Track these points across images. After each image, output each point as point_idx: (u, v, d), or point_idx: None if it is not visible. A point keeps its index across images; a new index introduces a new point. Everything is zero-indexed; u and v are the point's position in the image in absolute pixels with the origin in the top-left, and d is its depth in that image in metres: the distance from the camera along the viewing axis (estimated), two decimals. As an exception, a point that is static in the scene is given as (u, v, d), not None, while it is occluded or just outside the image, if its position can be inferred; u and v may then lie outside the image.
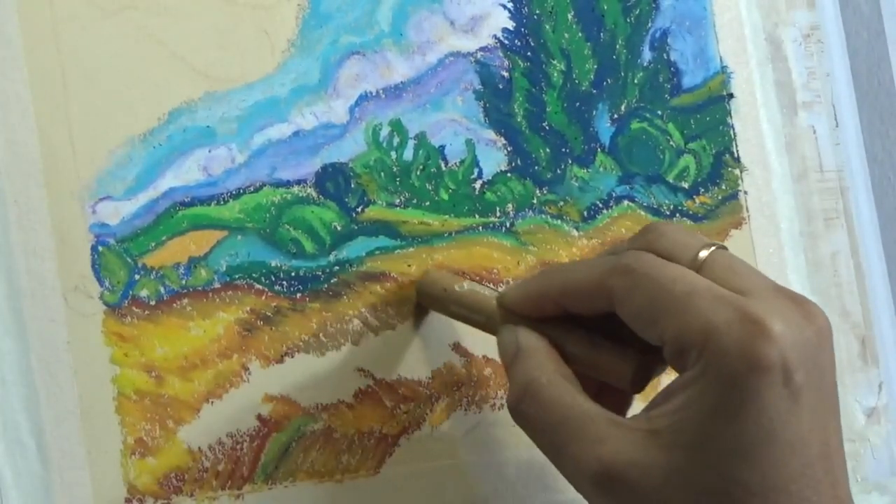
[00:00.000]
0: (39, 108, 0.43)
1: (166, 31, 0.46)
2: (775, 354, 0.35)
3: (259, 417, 0.46)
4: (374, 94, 0.49)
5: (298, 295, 0.47)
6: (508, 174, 0.51)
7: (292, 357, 0.47)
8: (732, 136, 0.56)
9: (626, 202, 0.53)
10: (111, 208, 0.44)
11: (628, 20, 0.54)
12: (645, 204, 0.54)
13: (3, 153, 0.43)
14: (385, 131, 0.49)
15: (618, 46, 0.54)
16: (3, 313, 0.42)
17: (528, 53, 0.52)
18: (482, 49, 0.52)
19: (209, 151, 0.46)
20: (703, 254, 0.39)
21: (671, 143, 0.54)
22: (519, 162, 0.51)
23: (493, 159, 0.51)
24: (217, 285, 0.46)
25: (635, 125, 0.54)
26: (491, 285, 0.45)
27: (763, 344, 0.35)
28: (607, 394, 0.42)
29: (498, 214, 0.51)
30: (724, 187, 0.55)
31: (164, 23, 0.46)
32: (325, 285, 0.47)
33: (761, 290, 0.38)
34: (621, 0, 0.54)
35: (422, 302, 0.48)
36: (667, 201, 0.54)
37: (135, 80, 0.45)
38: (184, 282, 0.45)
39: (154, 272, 0.45)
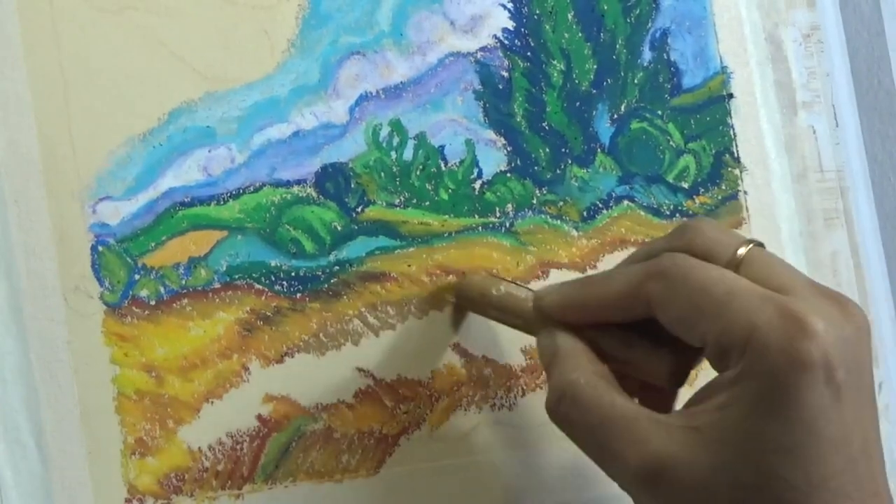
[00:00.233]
0: (39, 108, 0.43)
1: (166, 31, 0.46)
2: (817, 353, 0.35)
3: (259, 417, 0.46)
4: (373, 94, 0.49)
5: (298, 295, 0.47)
6: (508, 174, 0.51)
7: (292, 357, 0.47)
8: (732, 136, 0.56)
9: (625, 202, 0.53)
10: (111, 208, 0.44)
11: (628, 20, 0.54)
12: (645, 204, 0.54)
13: (2, 153, 0.43)
14: (385, 131, 0.49)
15: (618, 46, 0.54)
16: (3, 313, 0.42)
17: (528, 53, 0.52)
18: (482, 49, 0.52)
19: (209, 151, 0.46)
20: (742, 251, 0.39)
21: (671, 143, 0.54)
22: (519, 162, 0.51)
23: (493, 159, 0.51)
24: (217, 285, 0.46)
25: (635, 125, 0.54)
26: (526, 286, 0.45)
27: (805, 342, 0.35)
28: (649, 392, 0.43)
29: (498, 214, 0.51)
30: (723, 187, 0.55)
31: (164, 23, 0.46)
32: (325, 285, 0.47)
33: (801, 289, 0.38)
34: (621, 0, 0.54)
35: (461, 304, 0.48)
36: (667, 201, 0.54)
37: (135, 80, 0.45)
38: (184, 282, 0.45)
39: (154, 272, 0.45)
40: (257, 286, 0.46)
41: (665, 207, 0.54)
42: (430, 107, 0.50)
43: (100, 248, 0.44)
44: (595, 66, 0.53)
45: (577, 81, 0.53)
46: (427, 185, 0.50)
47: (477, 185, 0.51)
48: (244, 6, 0.47)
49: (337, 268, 0.48)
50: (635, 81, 0.54)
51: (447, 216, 0.50)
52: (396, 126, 0.50)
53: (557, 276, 0.51)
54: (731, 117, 0.56)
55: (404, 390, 0.48)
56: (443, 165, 0.50)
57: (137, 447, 0.44)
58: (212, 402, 0.45)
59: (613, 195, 0.53)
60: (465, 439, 0.49)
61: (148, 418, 0.44)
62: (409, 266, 0.49)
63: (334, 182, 0.48)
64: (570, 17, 0.53)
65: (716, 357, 0.38)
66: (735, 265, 0.39)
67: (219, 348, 0.45)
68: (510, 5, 0.52)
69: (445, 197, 0.50)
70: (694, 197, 0.55)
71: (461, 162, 0.50)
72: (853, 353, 0.37)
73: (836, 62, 0.58)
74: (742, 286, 0.37)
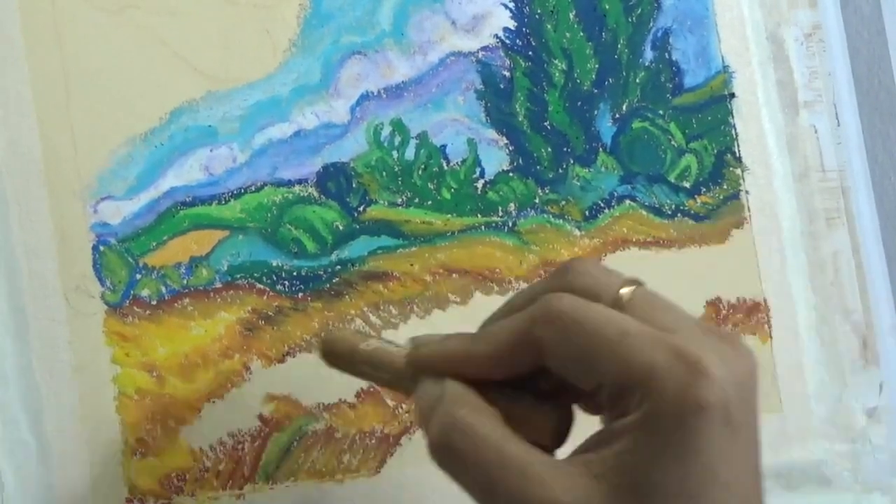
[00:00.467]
0: (41, 108, 0.43)
1: (168, 31, 0.46)
2: (714, 394, 0.35)
3: (260, 417, 0.46)
4: (375, 93, 0.49)
5: (300, 294, 0.47)
6: (510, 174, 0.51)
7: (294, 356, 0.47)
8: (734, 135, 0.56)
9: (627, 202, 0.53)
10: (112, 208, 0.44)
11: (630, 20, 0.54)
12: (646, 203, 0.54)
13: (4, 153, 0.42)
14: (386, 131, 0.49)
15: (619, 46, 0.54)
16: (5, 313, 0.42)
17: (530, 53, 0.52)
18: (483, 49, 0.52)
19: (211, 151, 0.46)
20: (624, 291, 0.38)
21: (673, 142, 0.54)
22: (521, 161, 0.51)
23: (495, 159, 0.51)
24: (218, 285, 0.46)
25: (637, 125, 0.54)
26: (396, 343, 0.43)
27: (704, 384, 0.35)
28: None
29: (500, 214, 0.51)
30: (725, 187, 0.55)
31: (166, 23, 0.46)
32: (327, 285, 0.47)
33: (688, 328, 0.37)
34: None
35: (328, 361, 0.45)
36: (668, 201, 0.54)
37: (136, 80, 0.45)
38: (185, 281, 0.45)
39: (155, 272, 0.45)
40: (259, 286, 0.46)
41: (667, 207, 0.54)
42: (431, 106, 0.50)
43: (101, 248, 0.44)
44: (597, 66, 0.53)
45: (578, 81, 0.53)
46: (429, 184, 0.50)
47: (479, 184, 0.51)
48: (246, 6, 0.47)
49: (339, 267, 0.48)
50: (637, 81, 0.54)
51: (450, 215, 0.50)
52: (398, 126, 0.49)
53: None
54: (732, 117, 0.56)
55: (406, 390, 0.48)
56: (445, 165, 0.50)
57: (138, 447, 0.43)
58: (213, 402, 0.45)
59: (615, 195, 0.53)
60: (467, 439, 0.49)
61: (149, 418, 0.44)
62: (412, 265, 0.49)
63: (336, 181, 0.48)
64: (571, 16, 0.53)
65: (611, 400, 0.37)
66: (619, 305, 0.38)
67: (220, 348, 0.45)
68: (511, 5, 0.52)
69: (448, 196, 0.50)
70: (695, 196, 0.55)
71: (463, 161, 0.50)
72: (746, 392, 0.36)
73: (837, 62, 0.58)
74: (634, 327, 0.36)
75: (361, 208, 0.48)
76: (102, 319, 0.44)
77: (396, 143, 0.49)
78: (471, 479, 0.37)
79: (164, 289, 0.45)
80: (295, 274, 0.47)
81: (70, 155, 0.44)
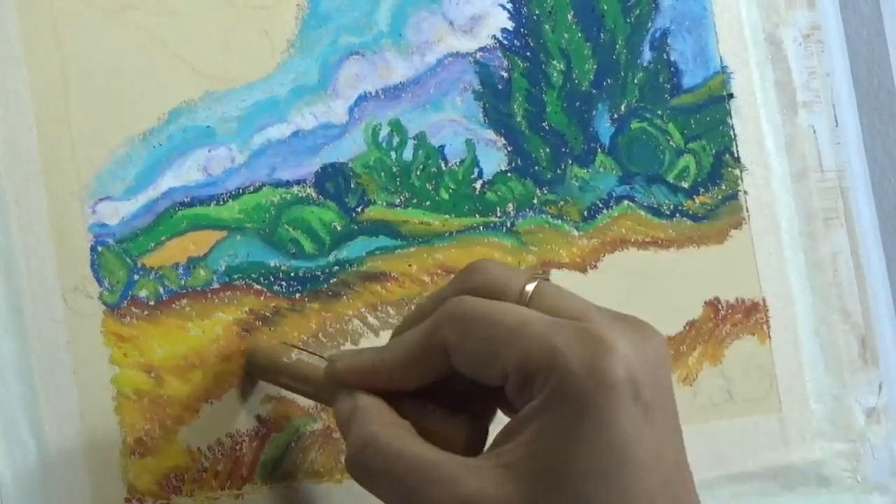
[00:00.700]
0: (39, 108, 0.43)
1: (166, 31, 0.46)
2: (622, 370, 0.34)
3: (258, 418, 0.46)
4: (373, 94, 0.49)
5: (298, 295, 0.47)
6: (508, 174, 0.51)
7: (292, 357, 0.47)
8: (732, 135, 0.56)
9: (626, 202, 0.53)
10: (111, 208, 0.44)
11: (628, 20, 0.54)
12: (645, 204, 0.54)
13: (2, 153, 0.43)
14: (384, 131, 0.49)
15: (618, 46, 0.54)
16: (3, 313, 0.42)
17: (528, 54, 0.52)
18: (481, 49, 0.52)
19: (209, 151, 0.46)
20: (529, 287, 0.38)
21: (671, 142, 0.54)
22: (519, 162, 0.51)
23: (494, 159, 0.51)
24: (216, 286, 0.46)
25: (635, 125, 0.54)
26: (319, 354, 0.44)
27: (609, 360, 0.34)
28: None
29: (498, 214, 0.51)
30: (724, 187, 0.55)
31: (165, 23, 0.46)
32: (325, 285, 0.47)
33: (594, 314, 0.37)
34: (621, 0, 0.54)
35: (252, 372, 0.46)
36: (667, 201, 0.54)
37: (135, 80, 0.45)
38: (183, 282, 0.45)
39: (153, 272, 0.45)
40: (256, 286, 0.46)
41: (665, 207, 0.54)
42: (429, 107, 0.50)
43: (99, 249, 0.44)
44: (595, 66, 0.53)
45: (576, 81, 0.53)
46: (427, 184, 0.50)
47: (477, 184, 0.51)
48: (244, 6, 0.47)
49: (337, 268, 0.48)
50: (635, 81, 0.54)
51: (448, 216, 0.50)
52: (396, 126, 0.50)
53: (559, 276, 0.51)
54: (731, 117, 0.56)
55: (404, 390, 0.48)
56: (443, 165, 0.50)
57: (137, 447, 0.43)
58: (211, 403, 0.45)
59: (614, 195, 0.53)
60: (466, 439, 0.49)
61: (147, 418, 0.44)
62: (410, 266, 0.49)
63: (334, 182, 0.48)
64: (569, 17, 0.53)
65: (519, 388, 0.36)
66: (524, 301, 0.38)
67: (218, 348, 0.45)
68: (509, 5, 0.52)
69: (446, 196, 0.50)
70: (694, 197, 0.55)
71: (461, 162, 0.50)
72: (656, 373, 0.36)
73: (836, 62, 0.58)
74: (536, 315, 0.36)
75: (359, 209, 0.48)
76: (100, 320, 0.44)
77: (395, 144, 0.49)
78: (387, 494, 0.38)
79: (161, 289, 0.45)
80: (293, 274, 0.47)
81: (68, 155, 0.44)
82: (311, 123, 0.48)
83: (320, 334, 0.47)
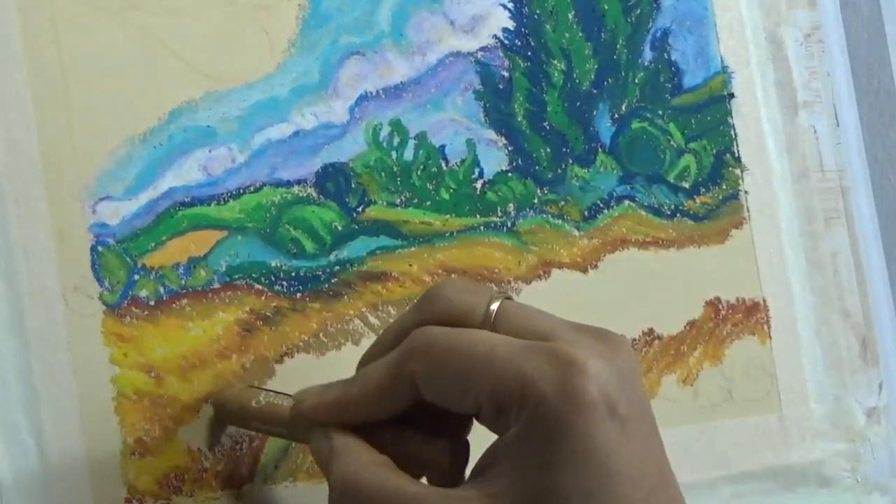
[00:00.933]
0: (39, 108, 0.43)
1: (167, 31, 0.46)
2: (595, 389, 0.34)
3: (259, 418, 0.46)
4: (374, 94, 0.49)
5: (298, 295, 0.47)
6: (509, 174, 0.51)
7: (292, 357, 0.47)
8: (733, 135, 0.56)
9: (626, 202, 0.53)
10: (111, 208, 0.44)
11: (629, 20, 0.54)
12: (646, 204, 0.54)
13: (2, 153, 0.42)
14: (385, 131, 0.49)
15: (618, 46, 0.54)
16: (3, 313, 0.42)
17: (529, 53, 0.52)
18: (482, 49, 0.52)
19: (209, 151, 0.46)
20: (493, 307, 0.38)
21: (672, 142, 0.54)
22: (520, 162, 0.51)
23: (494, 159, 0.51)
24: (217, 285, 0.46)
25: (636, 125, 0.54)
26: (286, 394, 0.43)
27: (581, 381, 0.34)
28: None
29: (499, 214, 0.51)
30: (724, 187, 0.55)
31: (165, 23, 0.46)
32: (326, 285, 0.47)
33: (561, 331, 0.37)
34: (622, 0, 0.54)
35: (221, 418, 0.45)
36: (667, 201, 0.54)
37: (135, 80, 0.45)
38: (183, 282, 0.45)
39: (154, 272, 0.45)
40: (257, 286, 0.46)
41: (666, 207, 0.54)
42: (430, 107, 0.50)
43: (99, 249, 0.44)
44: (596, 66, 0.53)
45: (577, 81, 0.53)
46: (428, 184, 0.50)
47: (478, 184, 0.51)
48: (244, 6, 0.47)
49: (337, 268, 0.48)
50: (636, 81, 0.54)
51: (448, 216, 0.50)
52: (397, 126, 0.49)
53: (559, 276, 0.51)
54: (731, 117, 0.56)
55: (405, 390, 0.48)
56: (444, 165, 0.50)
57: (137, 447, 0.43)
58: (211, 403, 0.45)
59: (614, 195, 0.53)
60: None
61: (147, 418, 0.44)
62: (411, 266, 0.49)
63: (335, 182, 0.48)
64: (570, 16, 0.53)
65: (493, 418, 0.36)
66: (488, 324, 0.38)
67: (218, 348, 0.45)
68: (510, 5, 0.52)
69: (447, 196, 0.50)
70: (695, 197, 0.55)
71: (462, 161, 0.50)
72: (629, 385, 0.36)
73: (836, 62, 0.58)
74: (503, 341, 0.36)
75: (360, 209, 0.48)
76: (101, 320, 0.44)
77: (395, 144, 0.49)
78: None
79: (162, 289, 0.45)
80: (293, 274, 0.47)
81: (68, 155, 0.44)
82: (312, 123, 0.48)
83: (321, 334, 0.47)
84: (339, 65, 0.49)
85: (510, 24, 0.52)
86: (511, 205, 0.51)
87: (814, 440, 0.55)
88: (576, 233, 0.52)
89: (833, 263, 0.56)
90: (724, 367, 0.54)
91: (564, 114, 0.53)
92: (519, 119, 0.52)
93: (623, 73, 0.54)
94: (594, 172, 0.53)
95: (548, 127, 0.52)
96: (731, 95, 0.56)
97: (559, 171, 0.52)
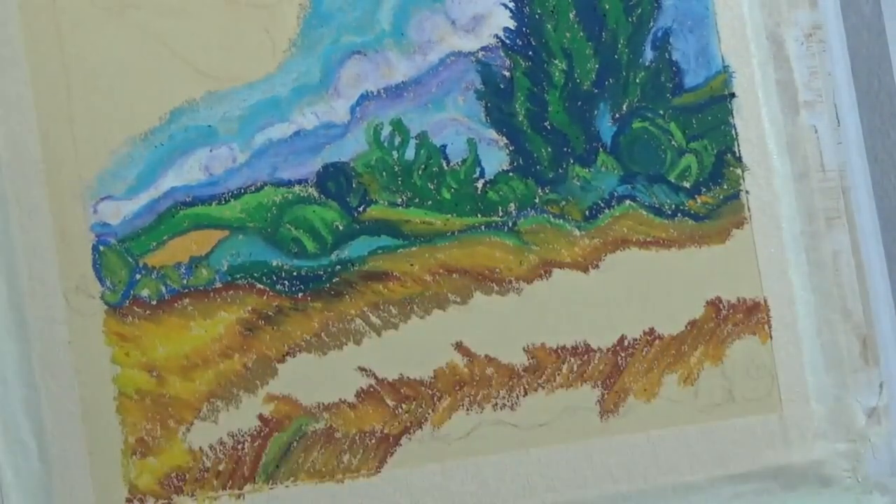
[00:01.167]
0: (41, 108, 0.43)
1: (168, 31, 0.46)
2: None
3: (260, 417, 0.46)
4: (375, 93, 0.49)
5: (300, 294, 0.47)
6: (510, 173, 0.51)
7: (294, 356, 0.47)
8: (734, 135, 0.56)
9: (627, 202, 0.53)
10: (112, 208, 0.44)
11: (630, 19, 0.54)
12: (647, 203, 0.54)
13: (4, 153, 0.43)
14: (386, 131, 0.49)
15: (619, 46, 0.54)
16: (4, 313, 0.42)
17: (530, 53, 0.52)
18: (483, 49, 0.52)
19: (210, 151, 0.46)
20: None
21: (673, 142, 0.54)
22: (521, 161, 0.51)
23: (495, 159, 0.51)
24: (218, 285, 0.46)
25: (637, 125, 0.54)
26: None
27: None
28: None
29: (500, 214, 0.51)
30: (725, 187, 0.55)
31: (166, 23, 0.46)
32: (327, 285, 0.47)
33: None
34: (623, -1, 0.54)
35: None
36: (668, 201, 0.54)
37: (136, 80, 0.45)
38: (185, 281, 0.45)
39: (155, 272, 0.45)
40: (259, 286, 0.46)
41: (667, 207, 0.54)
42: (431, 106, 0.50)
43: (101, 248, 0.44)
44: (597, 66, 0.53)
45: (578, 81, 0.53)
46: (429, 184, 0.50)
47: (479, 184, 0.51)
48: (246, 6, 0.47)
49: (339, 267, 0.48)
50: (637, 81, 0.54)
51: (450, 215, 0.50)
52: (398, 125, 0.49)
53: (560, 276, 0.51)
54: (732, 117, 0.56)
55: (406, 390, 0.48)
56: (445, 165, 0.50)
57: (138, 447, 0.43)
58: (213, 402, 0.45)
59: (615, 194, 0.53)
60: (467, 439, 0.49)
61: (149, 418, 0.44)
62: (412, 265, 0.49)
63: (336, 181, 0.48)
64: (571, 16, 0.53)
65: None
66: None
67: (220, 348, 0.45)
68: (511, 5, 0.52)
69: (448, 196, 0.50)
70: (696, 196, 0.55)
71: (463, 161, 0.50)
72: None
73: (837, 62, 0.58)
74: None
75: (361, 208, 0.48)
76: (102, 319, 0.44)
77: (396, 143, 0.49)
78: None
79: (164, 289, 0.45)
80: (295, 274, 0.47)
81: (70, 155, 0.44)
82: (313, 123, 0.48)
83: (323, 333, 0.47)
84: (340, 64, 0.49)
85: (511, 24, 0.52)
86: (512, 204, 0.51)
87: (814, 440, 0.55)
88: (577, 232, 0.52)
89: (834, 263, 0.56)
90: (724, 366, 0.54)
91: (565, 113, 0.53)
92: (520, 119, 0.52)
93: (624, 73, 0.54)
94: (595, 172, 0.53)
95: (549, 127, 0.52)
96: (732, 95, 0.56)
97: (560, 170, 0.52)
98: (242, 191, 0.46)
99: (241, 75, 0.47)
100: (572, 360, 0.50)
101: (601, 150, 0.53)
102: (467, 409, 0.49)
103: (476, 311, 0.50)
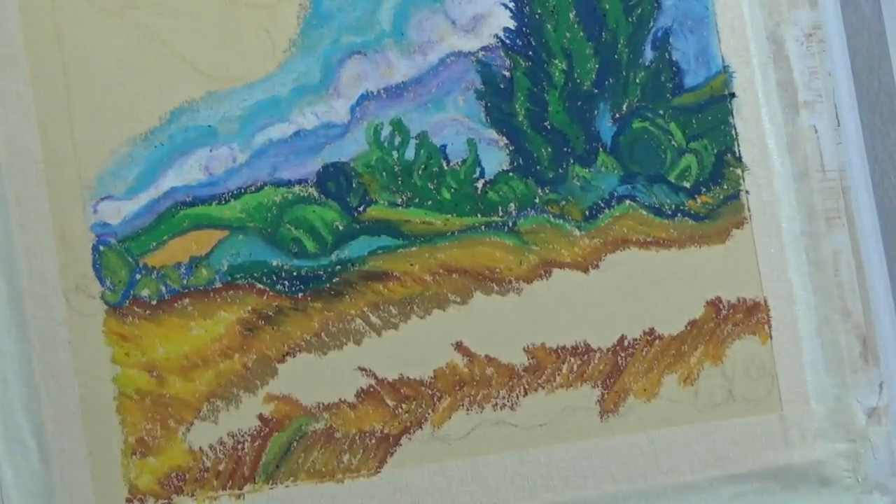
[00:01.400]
0: (41, 108, 0.43)
1: (168, 31, 0.46)
2: None
3: (260, 417, 0.46)
4: (375, 93, 0.49)
5: (300, 294, 0.47)
6: (510, 174, 0.51)
7: (294, 356, 0.47)
8: (734, 135, 0.56)
9: (627, 202, 0.53)
10: (112, 208, 0.44)
11: (630, 19, 0.54)
12: (646, 203, 0.54)
13: (4, 153, 0.43)
14: (386, 131, 0.49)
15: (619, 46, 0.54)
16: (5, 313, 0.42)
17: (530, 53, 0.52)
18: (483, 49, 0.52)
19: (210, 151, 0.46)
20: None
21: (673, 142, 0.54)
22: (521, 161, 0.51)
23: (495, 159, 0.51)
24: (218, 285, 0.46)
25: (637, 125, 0.54)
26: None
27: None
28: None
29: (500, 214, 0.51)
30: (725, 187, 0.55)
31: (166, 22, 0.46)
32: (327, 285, 0.47)
33: None
34: (623, -1, 0.54)
35: None
36: (668, 201, 0.54)
37: (136, 80, 0.45)
38: (185, 281, 0.45)
39: (155, 272, 0.45)
40: (259, 286, 0.46)
41: (667, 207, 0.54)
42: (431, 106, 0.50)
43: (101, 248, 0.44)
44: (597, 66, 0.53)
45: (578, 81, 0.53)
46: (429, 184, 0.50)
47: (479, 184, 0.51)
48: (245, 6, 0.47)
49: (339, 267, 0.48)
50: (637, 81, 0.54)
51: (450, 215, 0.50)
52: (398, 125, 0.49)
53: (560, 276, 0.51)
54: (732, 117, 0.56)
55: (406, 389, 0.48)
56: (445, 165, 0.50)
57: (138, 447, 0.43)
58: (213, 402, 0.45)
59: (615, 194, 0.53)
60: (467, 439, 0.49)
61: (149, 418, 0.44)
62: (412, 265, 0.49)
63: (336, 181, 0.48)
64: (571, 16, 0.53)
65: None
66: None
67: (220, 348, 0.45)
68: (511, 5, 0.52)
69: (448, 196, 0.50)
70: (696, 196, 0.55)
71: (463, 161, 0.50)
72: None
73: (837, 62, 0.58)
74: None
75: (361, 208, 0.48)
76: (102, 319, 0.44)
77: (396, 143, 0.49)
78: None
79: (164, 289, 0.45)
80: (295, 274, 0.47)
81: (70, 155, 0.44)
82: (313, 123, 0.48)
83: (323, 333, 0.47)
84: (340, 64, 0.49)
85: (511, 24, 0.52)
86: (512, 204, 0.51)
87: (814, 440, 0.55)
88: (577, 232, 0.52)
89: (834, 263, 0.56)
90: (724, 366, 0.54)
91: (565, 113, 0.53)
92: (520, 119, 0.52)
93: (624, 73, 0.54)
94: (595, 172, 0.53)
95: (549, 127, 0.52)
96: (732, 95, 0.56)
97: (560, 170, 0.52)
98: (242, 191, 0.46)
99: (241, 75, 0.47)
100: (572, 360, 0.50)
101: (601, 150, 0.53)
102: (467, 409, 0.49)
103: (476, 311, 0.50)
